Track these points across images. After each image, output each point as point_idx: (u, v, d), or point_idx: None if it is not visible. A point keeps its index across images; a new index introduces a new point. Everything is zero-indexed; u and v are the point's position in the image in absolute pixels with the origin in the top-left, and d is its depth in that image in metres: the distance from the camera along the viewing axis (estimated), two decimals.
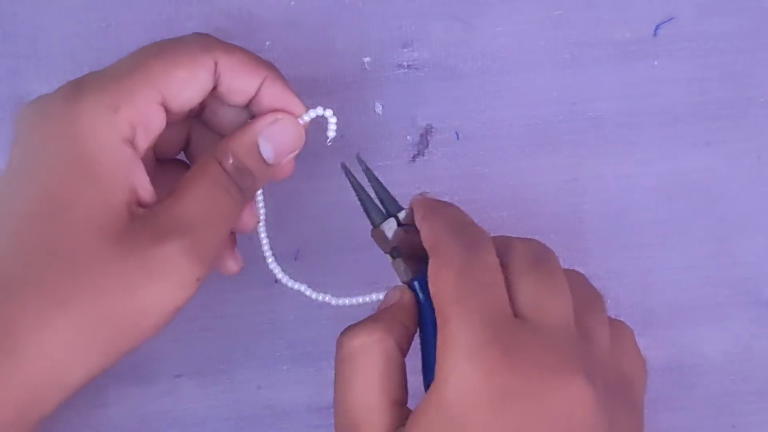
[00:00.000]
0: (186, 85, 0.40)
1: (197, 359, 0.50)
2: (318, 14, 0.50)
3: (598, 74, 0.51)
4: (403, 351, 0.40)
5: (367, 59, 0.50)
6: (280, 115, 0.42)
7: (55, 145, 0.39)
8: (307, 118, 0.42)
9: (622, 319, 0.41)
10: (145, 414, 0.50)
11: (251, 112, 0.43)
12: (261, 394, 0.50)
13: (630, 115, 0.51)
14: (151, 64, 0.39)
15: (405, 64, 0.50)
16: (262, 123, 0.42)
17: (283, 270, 0.44)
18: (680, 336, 0.51)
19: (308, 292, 0.45)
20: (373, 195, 0.43)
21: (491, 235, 0.40)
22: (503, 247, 0.39)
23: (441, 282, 0.38)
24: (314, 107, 0.43)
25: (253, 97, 0.42)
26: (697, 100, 0.51)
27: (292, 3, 0.50)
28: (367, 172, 0.43)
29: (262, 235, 0.44)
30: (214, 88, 0.41)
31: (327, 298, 0.44)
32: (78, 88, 0.39)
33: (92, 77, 0.40)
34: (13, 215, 0.39)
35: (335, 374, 0.40)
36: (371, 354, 0.39)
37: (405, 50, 0.50)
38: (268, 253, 0.44)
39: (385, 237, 0.42)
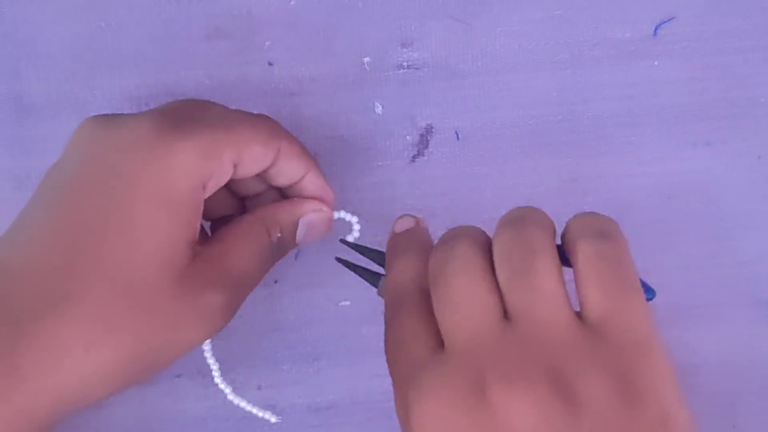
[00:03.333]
0: (258, 159, 0.42)
1: (197, 359, 0.50)
2: (318, 14, 0.50)
3: (598, 74, 0.51)
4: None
5: (366, 59, 0.50)
6: (325, 208, 0.45)
7: (143, 173, 0.39)
8: (337, 215, 0.46)
9: None
10: (144, 414, 0.50)
11: (287, 192, 0.46)
12: (261, 394, 0.50)
13: (630, 115, 0.51)
14: (237, 128, 0.42)
15: (405, 64, 0.50)
16: (307, 207, 0.45)
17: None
18: (680, 336, 0.51)
19: None
20: (370, 261, 0.45)
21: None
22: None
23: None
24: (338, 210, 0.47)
25: (296, 183, 0.45)
26: (697, 100, 0.51)
27: (292, 3, 0.50)
28: (355, 246, 0.45)
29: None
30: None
31: None
32: (175, 125, 0.40)
33: (184, 117, 0.41)
34: (77, 228, 0.39)
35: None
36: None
37: (405, 50, 0.50)
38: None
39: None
